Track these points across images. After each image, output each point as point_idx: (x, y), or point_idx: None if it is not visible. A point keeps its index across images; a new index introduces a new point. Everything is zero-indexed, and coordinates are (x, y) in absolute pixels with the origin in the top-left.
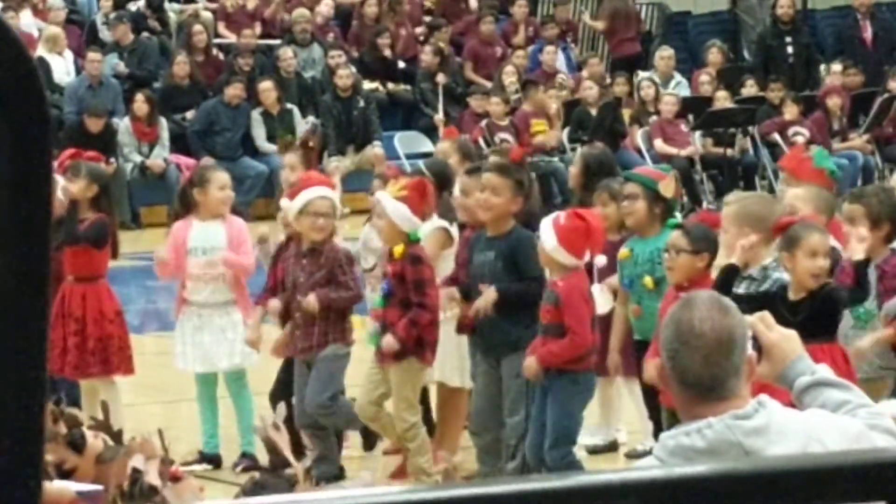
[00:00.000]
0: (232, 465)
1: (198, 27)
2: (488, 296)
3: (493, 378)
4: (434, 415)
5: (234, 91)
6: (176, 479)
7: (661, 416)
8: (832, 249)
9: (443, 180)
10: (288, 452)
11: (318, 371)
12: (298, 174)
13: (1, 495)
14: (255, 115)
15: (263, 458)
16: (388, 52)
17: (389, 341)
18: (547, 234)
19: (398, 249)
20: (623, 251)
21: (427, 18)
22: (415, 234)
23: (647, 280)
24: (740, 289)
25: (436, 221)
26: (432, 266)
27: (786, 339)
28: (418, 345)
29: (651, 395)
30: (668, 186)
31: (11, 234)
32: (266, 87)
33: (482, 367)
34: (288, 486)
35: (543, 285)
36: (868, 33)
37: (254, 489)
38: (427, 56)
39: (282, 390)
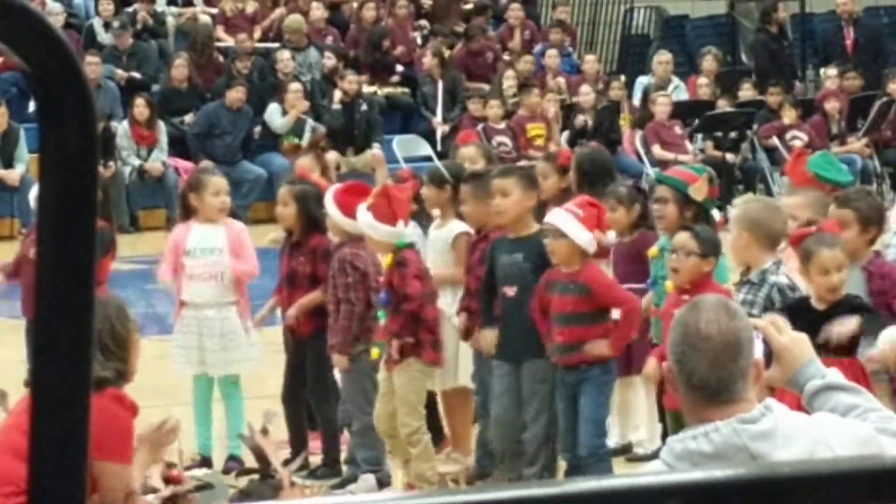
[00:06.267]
0: (222, 470)
1: (203, 30)
2: (489, 338)
3: (513, 383)
4: (444, 421)
5: (236, 95)
6: (177, 482)
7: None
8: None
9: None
10: (274, 459)
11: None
12: (314, 177)
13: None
14: (275, 106)
15: (249, 460)
16: (387, 56)
17: (396, 349)
18: (574, 228)
19: (387, 259)
20: (653, 249)
21: (423, 21)
22: (401, 242)
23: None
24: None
25: (457, 225)
26: (420, 266)
27: (796, 343)
28: (417, 345)
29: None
30: (699, 189)
31: (59, 233)
32: (296, 87)
33: (501, 371)
34: (273, 492)
35: None
36: (850, 40)
37: (240, 497)
38: (427, 59)
39: (290, 394)
